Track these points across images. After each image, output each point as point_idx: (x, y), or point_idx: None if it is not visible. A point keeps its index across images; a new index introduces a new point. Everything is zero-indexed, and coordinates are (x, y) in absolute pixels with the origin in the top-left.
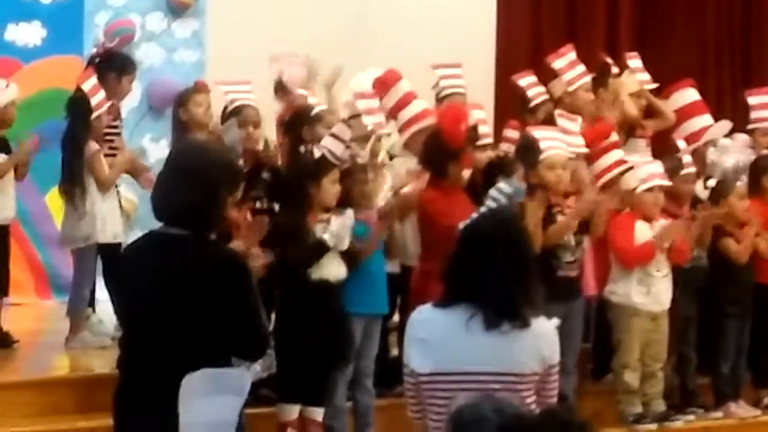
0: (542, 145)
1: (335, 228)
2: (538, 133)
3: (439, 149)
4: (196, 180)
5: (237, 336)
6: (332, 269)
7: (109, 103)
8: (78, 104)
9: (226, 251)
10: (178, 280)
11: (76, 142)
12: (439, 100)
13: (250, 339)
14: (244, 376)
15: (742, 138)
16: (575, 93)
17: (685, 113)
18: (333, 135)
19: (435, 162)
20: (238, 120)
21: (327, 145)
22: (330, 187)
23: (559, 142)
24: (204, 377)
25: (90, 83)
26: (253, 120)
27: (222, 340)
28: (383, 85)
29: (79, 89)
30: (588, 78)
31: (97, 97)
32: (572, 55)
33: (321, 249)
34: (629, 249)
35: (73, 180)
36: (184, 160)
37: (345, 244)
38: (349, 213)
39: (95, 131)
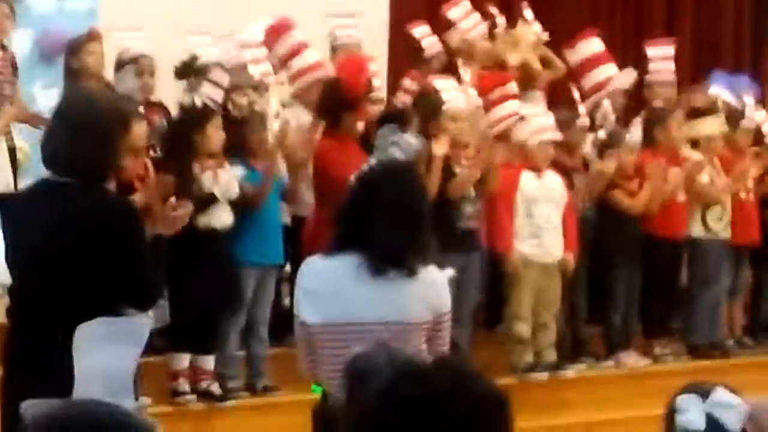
0: (444, 96)
1: (224, 180)
2: (439, 83)
3: (335, 99)
4: (87, 130)
5: (127, 285)
6: (219, 217)
7: (3, 53)
8: None
9: (117, 199)
10: (68, 228)
11: None
12: (333, 49)
13: (141, 288)
14: (142, 323)
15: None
16: (472, 42)
17: (589, 63)
18: (211, 81)
19: (331, 112)
20: (136, 69)
21: (207, 93)
22: (214, 134)
23: (460, 93)
24: (101, 325)
25: None
26: (150, 69)
27: (112, 289)
28: (275, 33)
29: None
30: (483, 27)
31: None
32: (467, 4)
33: (209, 200)
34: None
35: None
36: (74, 110)
37: (233, 194)
38: (236, 167)
39: None
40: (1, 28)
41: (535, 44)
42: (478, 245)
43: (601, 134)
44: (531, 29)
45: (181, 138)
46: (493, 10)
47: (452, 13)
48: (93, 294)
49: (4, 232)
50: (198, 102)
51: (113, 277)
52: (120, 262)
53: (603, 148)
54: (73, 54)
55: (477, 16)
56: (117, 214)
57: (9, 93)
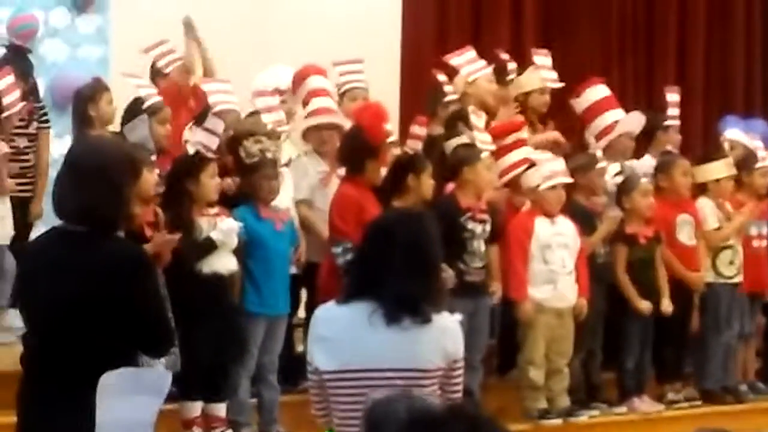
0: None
1: (223, 228)
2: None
3: (358, 146)
4: (96, 178)
5: (142, 332)
6: (224, 262)
7: (22, 104)
8: None
9: (131, 247)
10: (82, 276)
11: None
12: (341, 95)
13: (156, 335)
14: (163, 375)
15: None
16: (476, 84)
17: (596, 109)
18: (206, 129)
19: (353, 158)
20: (159, 117)
21: (201, 140)
22: (208, 182)
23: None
24: (124, 376)
25: (5, 82)
26: (169, 117)
27: (126, 337)
28: (295, 79)
29: None
30: (488, 70)
31: (11, 96)
32: (471, 54)
33: (209, 246)
34: (520, 282)
35: None
36: (83, 158)
37: (233, 244)
38: (235, 221)
39: (3, 130)
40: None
41: (541, 90)
42: (487, 291)
43: (618, 179)
44: (539, 75)
45: (176, 187)
46: (504, 55)
47: (455, 60)
48: (106, 342)
49: (16, 280)
50: (191, 150)
51: (126, 325)
52: (133, 310)
53: (619, 193)
54: (90, 102)
55: (482, 62)
56: (129, 262)
57: (18, 143)
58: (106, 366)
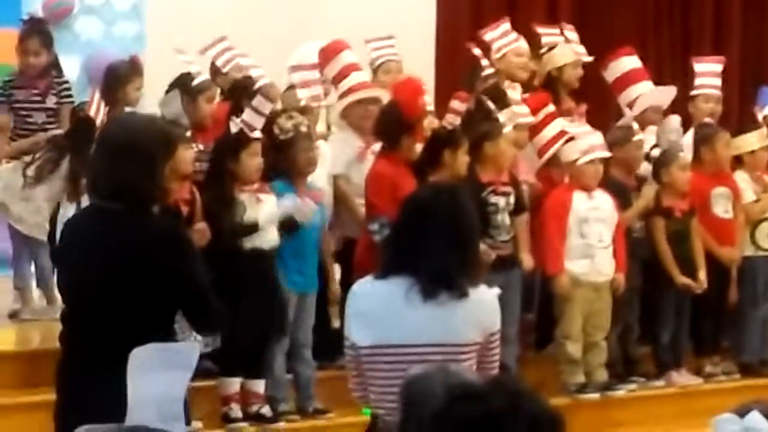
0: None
1: (265, 207)
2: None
3: (394, 121)
4: (127, 154)
5: (190, 309)
6: (266, 237)
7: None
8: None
9: (168, 224)
10: (119, 253)
11: None
12: (375, 70)
13: (203, 311)
14: (192, 350)
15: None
16: (506, 58)
17: (625, 80)
18: (252, 108)
19: (389, 133)
20: (206, 96)
21: (245, 119)
22: (249, 162)
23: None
24: (152, 351)
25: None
26: (215, 96)
27: (164, 314)
28: (326, 55)
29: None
30: (519, 43)
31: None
32: (506, 26)
33: (252, 229)
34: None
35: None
36: (117, 137)
37: (274, 223)
38: (288, 198)
39: None
40: None
41: (574, 64)
42: (517, 264)
43: (655, 152)
44: (571, 49)
45: (218, 166)
46: (542, 29)
47: (488, 35)
48: (142, 318)
49: (54, 257)
50: (234, 129)
51: (163, 302)
52: (176, 287)
53: (657, 167)
54: (119, 83)
55: (514, 34)
56: (165, 237)
57: (36, 119)
58: (142, 342)
